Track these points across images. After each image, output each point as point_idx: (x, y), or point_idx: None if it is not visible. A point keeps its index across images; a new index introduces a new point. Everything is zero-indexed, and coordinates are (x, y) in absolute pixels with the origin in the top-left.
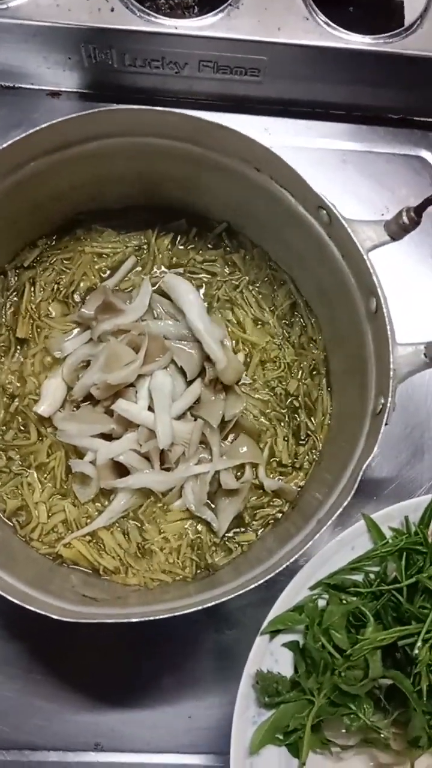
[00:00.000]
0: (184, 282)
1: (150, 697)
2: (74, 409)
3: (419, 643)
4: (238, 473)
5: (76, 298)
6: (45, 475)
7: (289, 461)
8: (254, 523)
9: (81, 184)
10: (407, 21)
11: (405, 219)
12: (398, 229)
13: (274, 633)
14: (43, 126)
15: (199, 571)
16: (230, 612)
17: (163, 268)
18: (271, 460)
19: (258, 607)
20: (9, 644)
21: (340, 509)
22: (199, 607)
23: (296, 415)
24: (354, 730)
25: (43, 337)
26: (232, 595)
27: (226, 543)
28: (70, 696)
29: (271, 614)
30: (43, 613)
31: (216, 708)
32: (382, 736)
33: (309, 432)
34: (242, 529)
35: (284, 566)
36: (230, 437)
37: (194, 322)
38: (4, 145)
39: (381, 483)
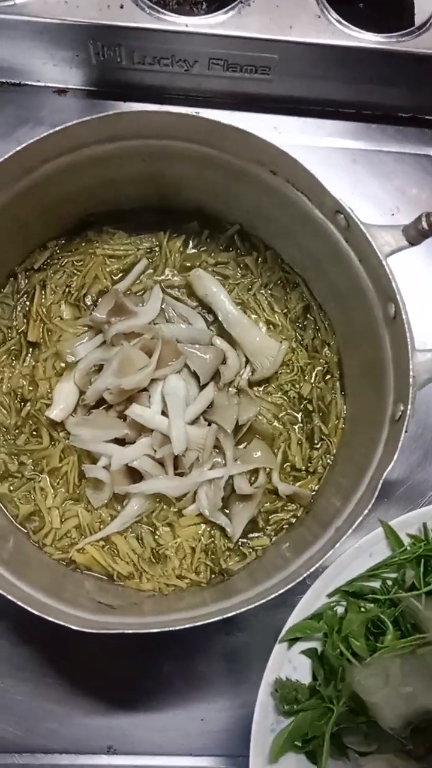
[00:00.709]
0: (213, 278)
1: (162, 700)
2: (87, 413)
3: None
4: (252, 478)
5: (88, 301)
6: (57, 480)
7: (303, 465)
8: (268, 527)
9: (92, 186)
10: (418, 19)
11: (424, 224)
12: (417, 234)
13: (292, 641)
14: (57, 129)
15: (213, 576)
16: (242, 615)
17: (174, 271)
18: (285, 464)
19: (270, 611)
20: (21, 648)
21: (361, 518)
22: (219, 618)
23: (310, 419)
24: (373, 737)
25: (55, 340)
26: (251, 606)
27: (240, 548)
28: (82, 699)
29: (290, 622)
30: (63, 623)
31: (228, 711)
32: (401, 742)
33: (323, 436)
34: (256, 534)
35: (304, 576)
36: (244, 441)
37: (231, 311)
38: (18, 149)
39: (392, 485)
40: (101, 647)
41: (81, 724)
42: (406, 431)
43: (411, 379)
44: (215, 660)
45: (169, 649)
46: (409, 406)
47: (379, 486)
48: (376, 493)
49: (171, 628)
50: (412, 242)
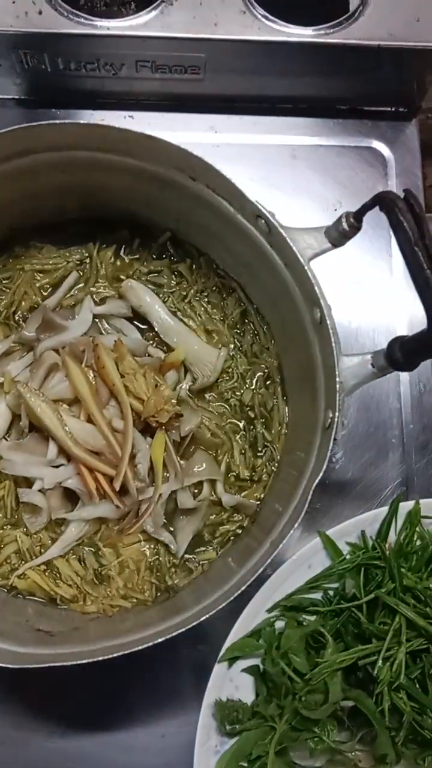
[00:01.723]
0: (146, 288)
1: (122, 718)
2: (21, 436)
3: (380, 663)
4: (196, 491)
5: (18, 318)
6: None
7: (248, 474)
8: (214, 540)
9: (15, 201)
10: (352, 5)
11: (345, 225)
12: (339, 235)
13: (232, 659)
14: None
15: (159, 594)
16: (199, 626)
17: (106, 283)
18: (229, 474)
19: (226, 620)
20: None
21: (292, 531)
22: (162, 639)
23: (252, 426)
24: (319, 753)
25: None
26: (197, 621)
27: (186, 563)
28: (41, 723)
29: (228, 641)
30: None
31: (191, 725)
32: (348, 756)
33: (266, 443)
34: (202, 548)
35: (243, 588)
36: (186, 453)
37: (167, 320)
38: None
39: (346, 485)
40: (58, 668)
41: (41, 747)
42: (335, 439)
43: (338, 385)
44: (175, 674)
45: (128, 667)
46: (337, 413)
47: (309, 496)
48: (306, 505)
49: (100, 658)
50: (335, 244)
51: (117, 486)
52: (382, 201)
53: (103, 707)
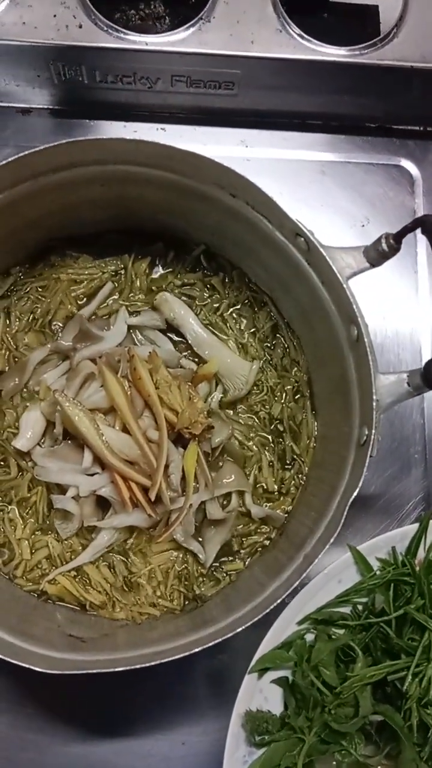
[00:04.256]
0: (179, 301)
1: (142, 725)
2: (55, 443)
3: (409, 678)
4: (224, 501)
5: (54, 327)
6: (27, 511)
7: (275, 487)
8: (242, 551)
9: (53, 212)
10: (383, 29)
11: (384, 246)
12: (378, 255)
13: (262, 670)
14: (10, 160)
15: (187, 603)
16: None
17: (141, 294)
18: (258, 486)
19: (249, 631)
20: None
21: (327, 546)
22: (192, 651)
23: (281, 440)
24: (345, 766)
25: (21, 368)
26: (228, 635)
27: (214, 573)
28: (62, 728)
29: (259, 652)
30: (28, 666)
31: (210, 733)
32: None
33: (294, 456)
34: (230, 558)
35: (275, 604)
36: (216, 464)
37: (200, 333)
38: None
39: (370, 499)
40: (81, 674)
41: (61, 753)
42: (371, 455)
43: (374, 403)
44: (196, 683)
45: (150, 674)
46: (374, 431)
47: (346, 510)
48: (343, 519)
49: (138, 666)
50: (373, 264)
51: (153, 496)
52: (425, 224)
53: (122, 714)
